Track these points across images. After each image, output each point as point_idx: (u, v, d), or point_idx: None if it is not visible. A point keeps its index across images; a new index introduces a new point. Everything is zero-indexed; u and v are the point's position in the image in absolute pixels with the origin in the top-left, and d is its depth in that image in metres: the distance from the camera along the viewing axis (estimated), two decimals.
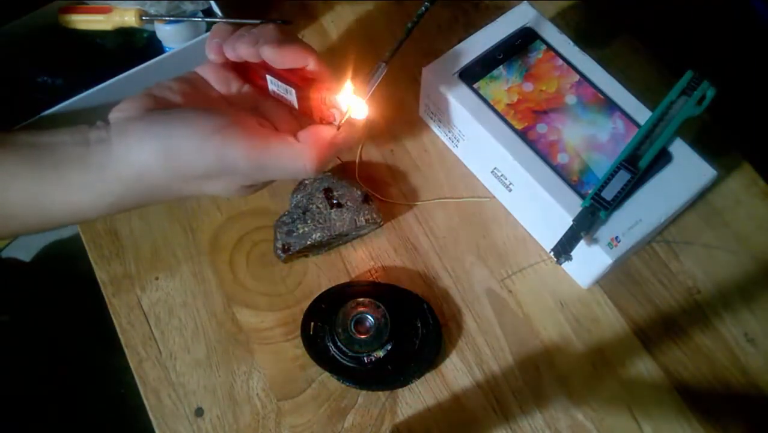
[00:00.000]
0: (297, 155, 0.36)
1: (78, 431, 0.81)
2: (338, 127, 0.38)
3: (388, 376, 0.48)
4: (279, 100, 0.41)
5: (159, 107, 0.37)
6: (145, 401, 0.49)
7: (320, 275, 0.53)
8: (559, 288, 0.52)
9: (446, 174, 0.56)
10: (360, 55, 0.62)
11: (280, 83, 0.39)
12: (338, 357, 0.47)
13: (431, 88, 0.53)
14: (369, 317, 0.48)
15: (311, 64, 0.38)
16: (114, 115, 0.36)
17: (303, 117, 0.40)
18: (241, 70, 0.41)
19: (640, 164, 0.47)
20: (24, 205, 0.36)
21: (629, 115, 0.50)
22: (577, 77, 0.52)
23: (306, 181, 0.54)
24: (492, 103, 0.51)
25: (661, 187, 0.48)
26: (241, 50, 0.38)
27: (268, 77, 0.40)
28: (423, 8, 0.43)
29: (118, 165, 0.35)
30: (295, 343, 0.50)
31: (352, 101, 0.38)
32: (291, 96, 0.40)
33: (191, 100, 0.39)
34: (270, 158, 0.36)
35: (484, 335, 0.50)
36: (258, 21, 0.55)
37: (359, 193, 0.53)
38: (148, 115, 0.36)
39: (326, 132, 0.38)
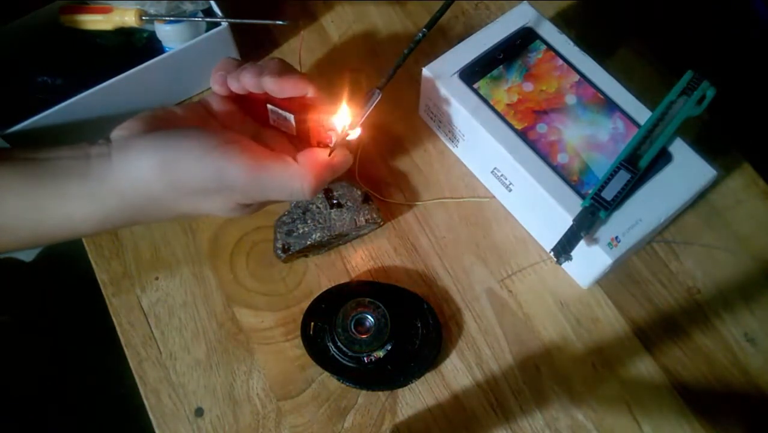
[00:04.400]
0: (295, 175, 0.37)
1: (78, 431, 0.81)
2: (331, 151, 0.39)
3: (388, 376, 0.48)
4: (278, 130, 0.42)
5: (161, 128, 0.37)
6: (145, 401, 0.49)
7: (320, 275, 0.53)
8: (559, 288, 0.52)
9: (446, 174, 0.56)
10: (359, 56, 0.62)
11: (279, 111, 0.41)
12: (338, 357, 0.47)
13: (431, 88, 0.53)
14: (369, 317, 0.48)
15: (310, 93, 0.39)
16: (116, 134, 0.37)
17: (301, 144, 0.42)
18: (244, 104, 0.42)
19: (640, 164, 0.47)
20: (18, 217, 0.36)
21: (629, 115, 0.50)
22: (577, 77, 0.52)
23: None
24: (492, 103, 0.51)
25: (661, 187, 0.48)
26: (245, 81, 0.38)
27: (269, 106, 0.41)
28: (420, 34, 0.44)
29: (116, 177, 0.35)
30: (295, 343, 0.50)
31: (346, 124, 0.39)
32: (290, 122, 0.41)
33: (194, 124, 0.39)
34: (268, 176, 0.36)
35: (484, 335, 0.50)
36: (257, 21, 0.56)
37: (359, 193, 0.53)
38: (150, 132, 0.36)
39: (323, 154, 0.39)
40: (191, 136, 0.36)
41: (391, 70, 0.42)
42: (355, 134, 0.40)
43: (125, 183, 0.35)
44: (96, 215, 0.36)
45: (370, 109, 0.40)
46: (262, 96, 0.40)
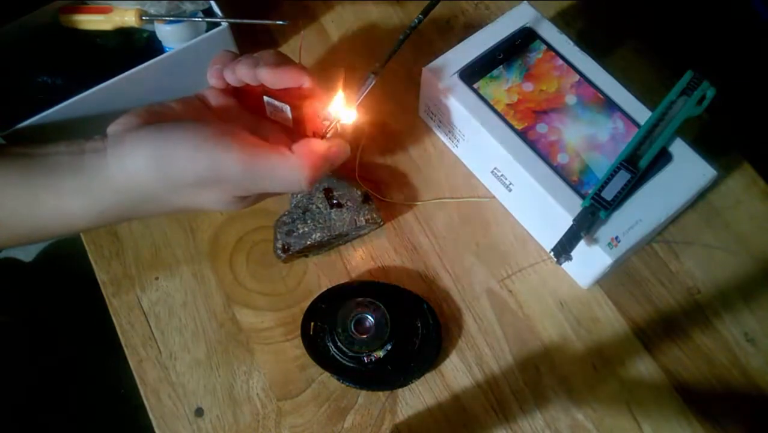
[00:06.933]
0: (291, 165, 0.37)
1: (78, 431, 0.81)
2: (323, 136, 0.39)
3: (388, 376, 0.48)
4: (275, 123, 0.42)
5: (157, 122, 0.37)
6: (145, 401, 0.49)
7: (320, 275, 0.53)
8: (559, 288, 0.52)
9: (446, 174, 0.56)
10: (359, 56, 0.62)
11: (276, 102, 0.40)
12: (338, 357, 0.47)
13: (431, 88, 0.53)
14: (369, 317, 0.48)
15: (306, 84, 0.39)
16: (111, 128, 0.37)
17: (298, 135, 0.41)
18: (241, 97, 0.42)
19: (640, 164, 0.47)
20: (14, 212, 0.36)
21: (629, 115, 0.50)
22: (577, 77, 0.52)
23: None
24: (492, 103, 0.51)
25: (661, 187, 0.48)
26: (241, 73, 0.38)
27: (265, 98, 0.41)
28: (416, 20, 0.43)
29: (111, 171, 0.35)
30: (295, 343, 0.50)
31: (341, 111, 0.39)
32: (286, 113, 0.41)
33: (190, 118, 0.39)
34: (263, 167, 0.36)
35: (484, 335, 0.50)
36: (257, 21, 0.56)
37: (359, 193, 0.53)
38: (145, 126, 0.36)
39: (319, 145, 0.38)
40: (185, 129, 0.35)
41: (386, 55, 0.41)
42: (350, 119, 0.40)
43: (120, 177, 0.35)
44: (92, 210, 0.36)
45: (365, 93, 0.40)
46: (258, 88, 0.40)
